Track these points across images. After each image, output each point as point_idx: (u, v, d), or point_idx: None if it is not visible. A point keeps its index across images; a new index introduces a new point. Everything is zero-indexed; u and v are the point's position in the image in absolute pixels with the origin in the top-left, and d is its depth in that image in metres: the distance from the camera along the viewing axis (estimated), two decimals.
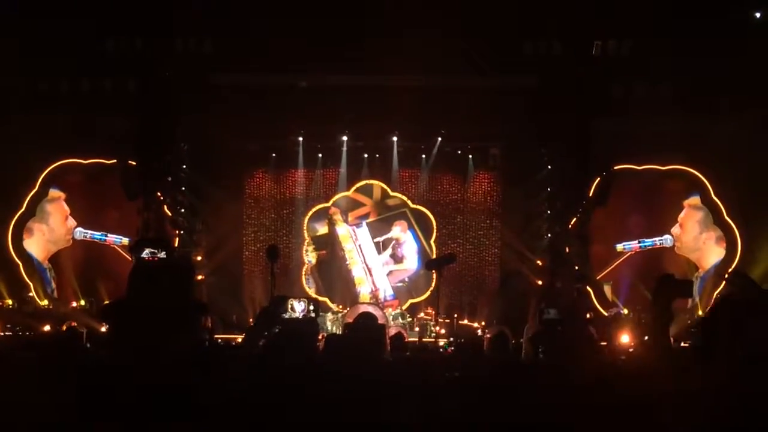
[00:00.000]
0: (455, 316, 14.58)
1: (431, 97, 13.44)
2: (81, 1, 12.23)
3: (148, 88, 13.57)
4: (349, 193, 16.56)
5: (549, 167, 14.84)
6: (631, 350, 8.59)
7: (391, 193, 16.53)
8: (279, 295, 10.98)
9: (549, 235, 14.86)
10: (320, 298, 15.84)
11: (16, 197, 15.20)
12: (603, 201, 14.17)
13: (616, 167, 14.40)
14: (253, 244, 16.47)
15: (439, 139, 15.70)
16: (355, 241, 16.42)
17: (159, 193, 14.33)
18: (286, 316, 11.13)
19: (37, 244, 15.40)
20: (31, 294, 14.94)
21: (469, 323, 15.17)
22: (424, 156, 16.21)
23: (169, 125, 14.11)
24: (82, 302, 14.78)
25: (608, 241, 15.25)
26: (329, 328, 14.18)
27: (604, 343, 9.07)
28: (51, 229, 15.50)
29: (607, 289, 14.97)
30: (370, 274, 16.27)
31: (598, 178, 14.28)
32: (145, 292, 2.81)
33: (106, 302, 12.97)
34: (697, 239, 15.24)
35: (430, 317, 14.67)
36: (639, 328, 11.68)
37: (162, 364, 2.64)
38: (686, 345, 10.10)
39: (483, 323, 14.88)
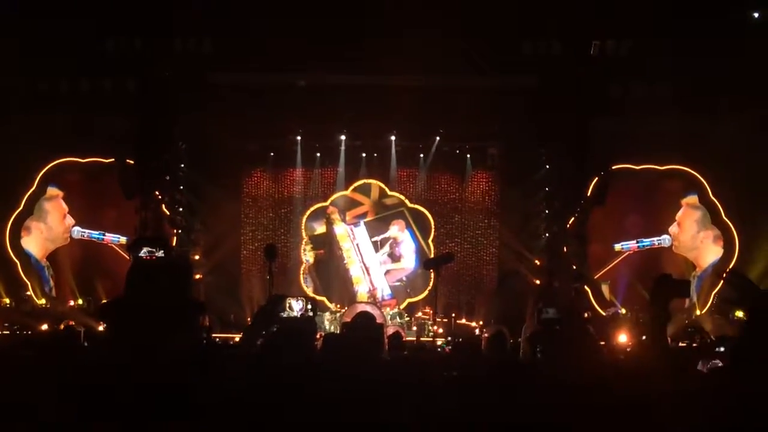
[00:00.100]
0: (453, 315, 14.54)
1: (430, 96, 13.43)
2: (81, 1, 12.24)
3: (147, 88, 13.57)
4: (347, 192, 16.55)
5: (547, 167, 14.85)
6: (628, 350, 8.59)
7: (389, 193, 16.51)
8: (277, 294, 10.87)
9: (547, 234, 14.87)
10: (318, 298, 15.83)
11: (14, 196, 15.21)
12: (601, 201, 14.16)
13: (614, 167, 14.38)
14: (251, 243, 16.45)
15: (438, 138, 15.69)
16: (353, 241, 16.41)
17: (157, 192, 14.33)
18: (284, 315, 11.10)
19: (35, 243, 15.39)
20: (28, 293, 14.93)
21: (467, 323, 15.18)
22: (422, 155, 16.20)
23: (167, 124, 14.10)
24: (80, 301, 14.78)
25: (606, 240, 15.26)
26: (327, 327, 14.15)
27: (603, 343, 9.07)
28: (49, 228, 15.48)
29: (605, 289, 14.97)
30: (368, 274, 16.25)
31: (596, 178, 14.27)
32: (143, 291, 2.81)
33: (104, 301, 12.95)
34: (695, 238, 15.27)
35: (428, 317, 14.65)
36: (637, 327, 11.72)
37: (160, 363, 2.64)
38: (683, 345, 10.13)
39: (481, 323, 14.89)
